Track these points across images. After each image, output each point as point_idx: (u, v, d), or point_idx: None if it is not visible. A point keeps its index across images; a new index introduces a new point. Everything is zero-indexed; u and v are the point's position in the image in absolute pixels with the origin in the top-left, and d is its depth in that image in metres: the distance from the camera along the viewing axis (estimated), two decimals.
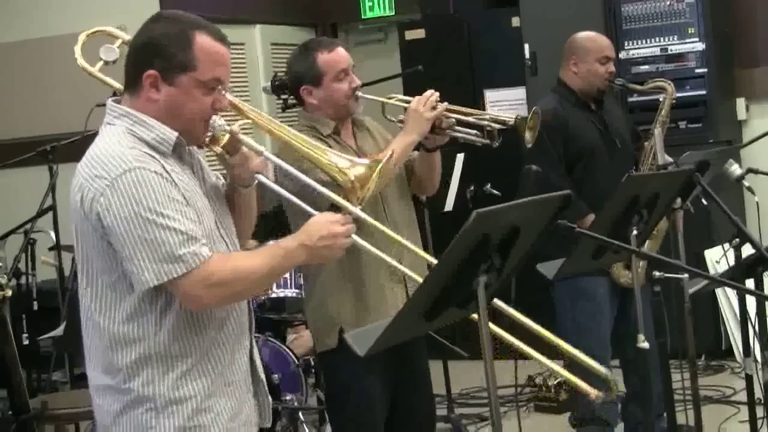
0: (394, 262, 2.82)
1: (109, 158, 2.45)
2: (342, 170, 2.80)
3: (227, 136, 2.61)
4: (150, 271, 2.41)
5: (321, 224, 2.54)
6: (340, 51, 3.65)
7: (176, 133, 2.52)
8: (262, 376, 2.76)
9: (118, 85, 2.70)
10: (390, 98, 3.79)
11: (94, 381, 2.60)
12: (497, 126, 3.65)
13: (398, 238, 2.89)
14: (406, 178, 3.79)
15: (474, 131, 3.67)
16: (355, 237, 2.58)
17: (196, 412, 2.53)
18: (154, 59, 2.50)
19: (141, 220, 2.40)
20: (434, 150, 3.70)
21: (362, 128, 3.78)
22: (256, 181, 2.70)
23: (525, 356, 2.63)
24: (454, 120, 3.65)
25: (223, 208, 2.69)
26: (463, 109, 3.70)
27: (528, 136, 3.69)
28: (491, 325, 2.42)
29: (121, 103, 2.57)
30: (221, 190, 2.73)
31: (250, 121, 2.79)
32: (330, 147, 3.53)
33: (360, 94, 3.65)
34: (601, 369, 2.65)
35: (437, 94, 3.63)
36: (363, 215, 2.69)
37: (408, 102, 3.67)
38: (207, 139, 2.61)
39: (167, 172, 2.47)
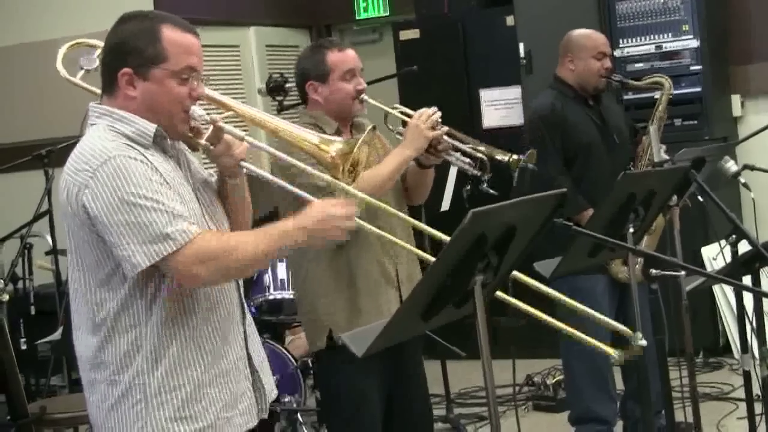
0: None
1: (90, 152, 2.50)
2: (319, 147, 2.80)
3: (210, 127, 2.64)
4: (140, 253, 2.43)
5: (320, 207, 2.58)
6: (350, 52, 3.72)
7: (155, 125, 2.57)
8: (264, 365, 2.77)
9: (99, 91, 2.74)
10: (394, 108, 3.83)
11: (86, 377, 2.62)
12: (490, 158, 3.69)
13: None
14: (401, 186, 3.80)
15: (468, 160, 3.72)
16: (359, 221, 2.60)
17: (187, 402, 2.55)
18: (127, 57, 2.56)
19: (125, 205, 2.44)
20: (428, 167, 3.74)
21: (361, 132, 3.78)
22: (244, 170, 2.72)
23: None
24: (450, 144, 3.68)
25: (213, 202, 2.72)
26: (461, 136, 3.74)
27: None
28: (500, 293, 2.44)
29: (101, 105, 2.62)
30: (213, 185, 2.76)
31: (232, 113, 2.82)
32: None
33: (365, 97, 3.69)
34: (619, 326, 2.90)
35: (439, 113, 3.66)
36: (358, 192, 2.71)
37: (410, 116, 3.70)
38: (190, 132, 2.63)
39: (148, 160, 2.52)
